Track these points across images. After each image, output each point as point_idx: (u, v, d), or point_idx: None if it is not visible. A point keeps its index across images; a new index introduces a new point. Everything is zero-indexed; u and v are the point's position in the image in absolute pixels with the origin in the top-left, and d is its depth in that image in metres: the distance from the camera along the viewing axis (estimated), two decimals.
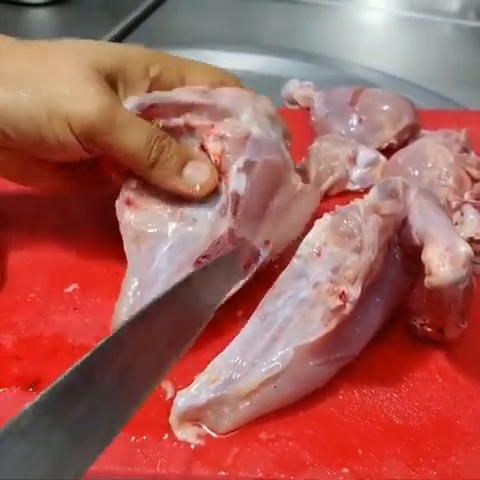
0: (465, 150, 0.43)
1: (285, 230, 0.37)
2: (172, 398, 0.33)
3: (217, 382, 0.31)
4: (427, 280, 0.30)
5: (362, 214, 0.32)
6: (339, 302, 0.31)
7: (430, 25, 0.82)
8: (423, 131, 0.49)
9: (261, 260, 0.36)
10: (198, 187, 0.36)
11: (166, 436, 0.31)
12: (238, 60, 0.67)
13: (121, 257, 0.37)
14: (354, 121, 0.49)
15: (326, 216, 0.34)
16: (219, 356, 0.32)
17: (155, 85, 0.37)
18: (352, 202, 0.34)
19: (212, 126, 0.36)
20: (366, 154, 0.45)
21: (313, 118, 0.52)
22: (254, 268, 0.36)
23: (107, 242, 0.40)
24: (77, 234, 0.43)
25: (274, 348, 0.31)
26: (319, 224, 0.33)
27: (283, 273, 0.33)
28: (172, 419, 0.31)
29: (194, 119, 0.36)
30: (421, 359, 0.35)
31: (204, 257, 0.34)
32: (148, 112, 0.36)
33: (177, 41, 0.72)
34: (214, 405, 0.31)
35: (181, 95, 0.37)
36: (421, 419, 0.32)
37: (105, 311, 0.38)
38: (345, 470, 0.30)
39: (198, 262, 0.34)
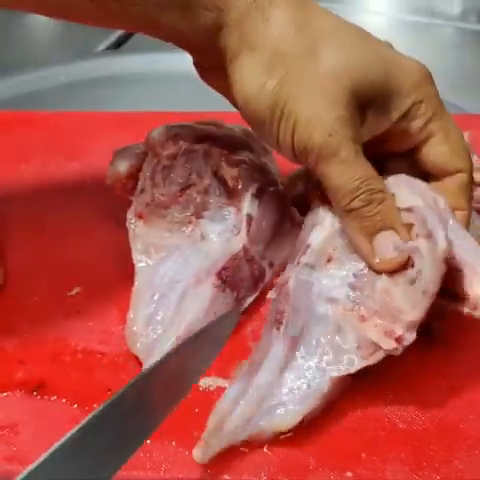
0: None
1: (286, 254, 0.39)
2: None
3: (253, 419, 0.30)
4: (471, 312, 0.30)
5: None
6: (394, 345, 0.30)
7: (431, 28, 0.83)
8: None
9: (267, 279, 0.39)
10: (378, 260, 0.32)
11: (172, 442, 0.31)
12: None
13: (125, 261, 0.37)
14: None
15: (329, 216, 0.34)
16: (252, 385, 0.31)
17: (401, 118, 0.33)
18: None
19: (228, 154, 0.39)
20: None
21: None
22: (261, 287, 0.38)
23: (110, 246, 0.40)
24: (80, 237, 0.43)
25: (314, 374, 0.31)
26: (325, 228, 0.33)
27: (291, 287, 0.33)
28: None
29: (211, 147, 0.39)
30: (424, 363, 0.35)
31: (224, 269, 0.36)
32: (173, 139, 0.38)
33: (176, 47, 0.71)
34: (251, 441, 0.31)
35: (202, 127, 0.40)
36: (424, 423, 0.32)
37: (108, 315, 0.38)
38: (349, 474, 0.30)
39: (219, 273, 0.36)
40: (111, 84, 0.64)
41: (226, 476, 0.30)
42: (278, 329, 0.32)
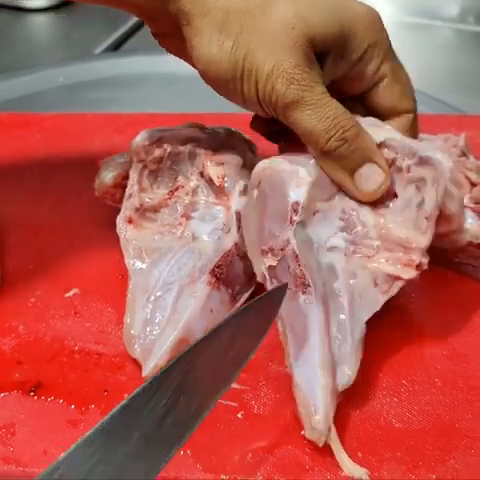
0: (464, 154, 0.43)
1: None
2: None
3: (333, 388, 0.30)
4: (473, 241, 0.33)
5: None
6: (415, 273, 0.31)
7: (429, 30, 0.83)
8: (421, 135, 0.49)
9: None
10: (365, 193, 0.33)
11: None
12: None
13: (121, 262, 0.37)
14: None
15: (302, 169, 0.33)
16: (315, 366, 0.30)
17: (353, 66, 0.34)
18: None
19: (212, 154, 0.39)
20: None
21: None
22: (256, 282, 0.38)
23: (108, 247, 0.40)
24: (78, 238, 0.43)
25: (351, 329, 0.31)
26: (304, 181, 0.32)
27: (296, 247, 0.31)
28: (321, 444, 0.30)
29: (196, 148, 0.39)
30: (420, 363, 0.35)
31: (218, 267, 0.36)
32: (157, 143, 0.38)
33: None
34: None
35: (185, 130, 0.40)
36: (420, 423, 0.32)
37: (105, 315, 0.38)
38: (344, 473, 0.30)
39: (213, 271, 0.36)
40: (110, 86, 0.64)
41: (223, 476, 0.30)
42: (305, 292, 0.31)
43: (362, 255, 0.32)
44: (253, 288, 0.38)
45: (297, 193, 0.32)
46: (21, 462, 0.31)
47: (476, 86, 0.67)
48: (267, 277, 0.34)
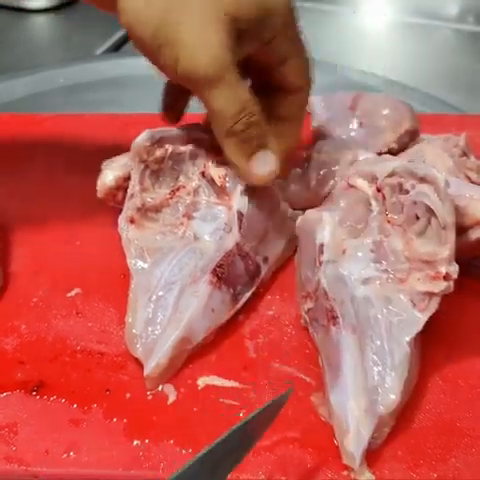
0: (464, 154, 0.43)
1: (280, 248, 0.40)
2: (174, 402, 0.33)
3: (369, 410, 0.30)
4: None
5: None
6: (445, 284, 0.32)
7: (429, 30, 0.83)
8: (422, 135, 0.49)
9: (262, 274, 0.39)
10: (259, 177, 0.36)
11: (171, 441, 0.32)
12: None
13: (123, 262, 0.38)
14: (355, 125, 0.49)
15: (326, 213, 0.35)
16: (347, 390, 0.31)
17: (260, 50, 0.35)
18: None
19: (214, 154, 0.39)
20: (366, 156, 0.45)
21: (314, 123, 0.52)
22: (257, 282, 0.39)
23: (110, 247, 0.41)
24: (80, 238, 0.43)
25: (390, 352, 0.32)
26: (327, 223, 0.35)
27: (325, 285, 0.33)
28: (356, 467, 0.30)
29: (197, 149, 0.39)
30: (421, 363, 0.35)
31: (219, 267, 0.36)
32: (158, 143, 0.39)
33: None
34: (376, 430, 0.31)
35: (186, 130, 0.40)
36: (421, 422, 0.32)
37: (107, 315, 0.38)
38: (346, 472, 0.30)
39: (214, 271, 0.36)
40: (111, 87, 0.64)
41: None
42: (335, 324, 0.33)
43: (395, 280, 0.33)
44: (254, 288, 0.38)
45: (322, 235, 0.35)
46: (24, 461, 0.31)
47: (475, 86, 0.67)
48: (308, 321, 0.36)
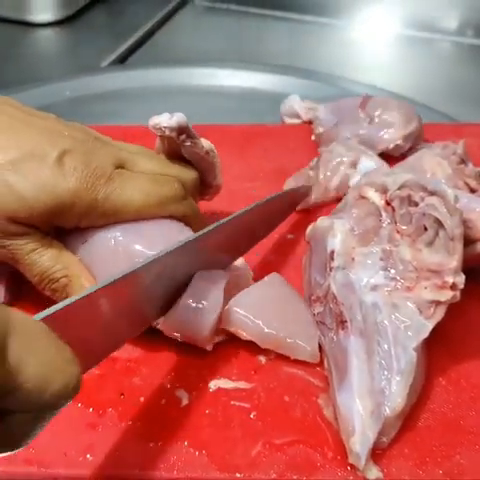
0: (463, 162, 0.44)
1: None
2: (186, 405, 0.34)
3: (375, 412, 0.31)
4: None
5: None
6: (452, 293, 0.33)
7: (429, 43, 0.84)
8: (421, 144, 0.51)
9: None
10: None
11: (184, 442, 0.32)
12: (240, 78, 0.68)
13: None
14: (364, 122, 0.51)
15: (337, 221, 0.36)
16: (353, 392, 0.32)
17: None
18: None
19: None
20: (367, 163, 0.47)
21: (319, 130, 0.53)
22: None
23: None
24: None
25: (397, 357, 0.33)
26: (338, 231, 0.36)
27: (335, 290, 0.35)
28: (362, 467, 0.31)
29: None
30: (426, 365, 0.36)
31: None
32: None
33: (181, 60, 0.73)
34: (383, 431, 0.32)
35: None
36: (426, 420, 0.33)
37: None
38: (355, 471, 0.31)
39: None
40: (116, 99, 0.65)
41: (237, 475, 0.31)
42: (344, 328, 0.34)
43: (403, 288, 0.34)
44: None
45: (333, 242, 0.36)
46: (43, 463, 0.32)
47: (475, 98, 0.68)
48: (316, 322, 0.37)
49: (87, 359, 0.29)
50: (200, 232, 0.35)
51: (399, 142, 0.49)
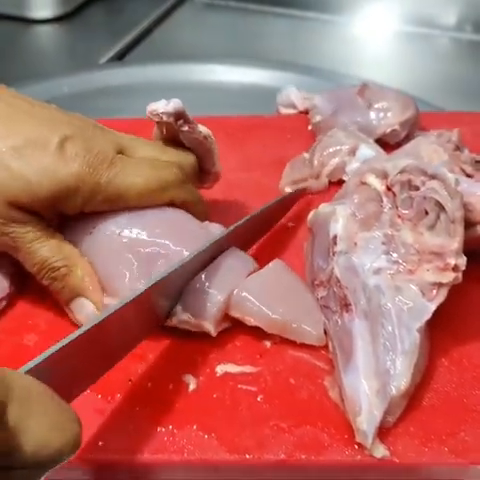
0: (458, 148, 0.45)
1: None
2: (194, 390, 0.35)
3: (381, 392, 0.32)
4: None
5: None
6: (453, 275, 0.34)
7: (427, 39, 0.84)
8: (416, 132, 0.52)
9: None
10: (80, 321, 0.37)
11: (193, 426, 0.33)
12: (239, 73, 0.69)
13: None
14: (363, 107, 0.51)
15: (339, 207, 0.37)
16: (359, 373, 0.33)
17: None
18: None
19: None
20: (366, 150, 0.47)
21: (316, 118, 0.54)
22: None
23: None
24: None
25: (401, 338, 0.33)
26: (340, 216, 0.37)
27: (338, 274, 0.35)
28: (369, 445, 0.31)
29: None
30: (429, 346, 0.37)
31: None
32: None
33: (179, 56, 0.74)
34: (388, 411, 0.32)
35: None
36: (430, 399, 0.34)
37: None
38: (362, 449, 0.32)
39: None
40: (114, 95, 0.65)
41: (247, 456, 0.32)
42: (348, 311, 0.34)
43: (405, 271, 0.35)
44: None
45: (335, 227, 0.37)
46: None
47: (473, 93, 0.69)
48: (320, 306, 0.37)
49: (103, 361, 0.31)
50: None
51: (396, 127, 0.50)
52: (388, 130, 0.50)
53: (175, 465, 0.32)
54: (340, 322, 0.35)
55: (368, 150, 0.47)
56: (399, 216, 0.37)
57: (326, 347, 0.37)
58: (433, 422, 0.33)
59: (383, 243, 0.36)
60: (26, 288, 0.41)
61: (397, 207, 0.37)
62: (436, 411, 0.34)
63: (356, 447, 0.32)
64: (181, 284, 0.36)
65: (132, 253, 0.37)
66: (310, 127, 0.55)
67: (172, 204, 0.39)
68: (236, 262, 0.38)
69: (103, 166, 0.36)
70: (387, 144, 0.51)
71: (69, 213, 0.37)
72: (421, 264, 0.35)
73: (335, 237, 0.37)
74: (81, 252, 0.38)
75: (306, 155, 0.50)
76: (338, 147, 0.48)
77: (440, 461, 0.31)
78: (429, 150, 0.44)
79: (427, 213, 0.35)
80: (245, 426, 0.33)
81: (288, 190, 0.48)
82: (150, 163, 0.38)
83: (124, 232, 0.38)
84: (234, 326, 0.37)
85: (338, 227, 0.37)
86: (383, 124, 0.50)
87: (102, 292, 0.37)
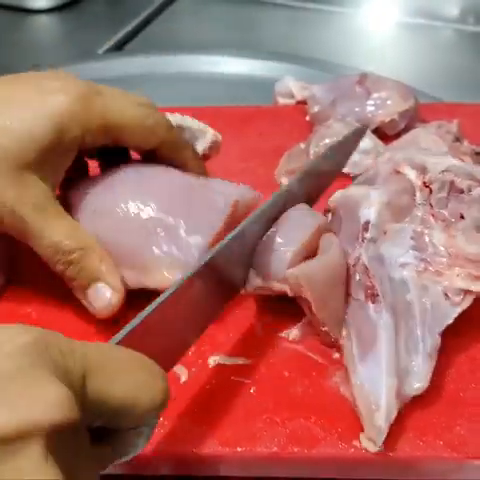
0: (458, 140, 0.45)
1: None
2: (186, 381, 0.34)
3: (399, 391, 0.31)
4: None
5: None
6: None
7: (430, 30, 0.84)
8: (417, 124, 0.51)
9: None
10: (97, 310, 0.36)
11: (187, 418, 0.33)
12: (238, 64, 0.68)
13: None
14: (363, 96, 0.51)
15: (374, 192, 0.36)
16: (382, 369, 0.32)
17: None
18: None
19: None
20: (365, 142, 0.47)
21: (314, 109, 0.54)
22: None
23: None
24: None
25: (423, 339, 0.33)
26: (376, 202, 0.35)
27: (366, 261, 0.34)
28: (380, 442, 0.31)
29: None
30: None
31: None
32: None
33: (179, 46, 0.73)
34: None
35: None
36: (427, 393, 0.33)
37: None
38: (355, 443, 0.31)
39: None
40: (113, 85, 0.64)
41: (238, 448, 0.31)
42: (374, 302, 0.33)
43: (433, 272, 0.34)
44: None
45: (368, 213, 0.36)
46: None
47: (476, 85, 0.68)
48: None
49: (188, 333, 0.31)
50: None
51: (395, 117, 0.49)
52: (387, 119, 0.49)
53: (167, 457, 0.32)
54: (362, 310, 0.34)
55: (365, 140, 0.46)
56: (432, 215, 0.36)
57: (320, 340, 0.36)
58: (428, 416, 0.33)
59: (412, 238, 0.35)
60: (17, 278, 0.40)
61: (431, 205, 0.36)
62: (431, 405, 0.33)
63: (350, 440, 0.31)
64: (251, 245, 0.35)
65: (152, 222, 0.36)
66: (308, 117, 0.54)
67: (171, 164, 0.39)
68: (304, 217, 0.36)
69: (91, 92, 0.37)
70: (385, 135, 0.50)
71: (71, 150, 0.36)
72: (451, 268, 0.34)
73: (367, 223, 0.35)
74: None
75: (303, 146, 0.49)
76: (335, 138, 0.47)
77: (435, 455, 0.31)
78: (428, 140, 0.43)
79: (462, 217, 0.35)
80: (238, 419, 0.33)
81: (284, 180, 0.47)
82: (134, 100, 0.39)
83: (130, 205, 0.37)
84: (227, 317, 0.37)
85: (371, 213, 0.35)
86: (381, 113, 0.50)
87: (119, 275, 0.36)
